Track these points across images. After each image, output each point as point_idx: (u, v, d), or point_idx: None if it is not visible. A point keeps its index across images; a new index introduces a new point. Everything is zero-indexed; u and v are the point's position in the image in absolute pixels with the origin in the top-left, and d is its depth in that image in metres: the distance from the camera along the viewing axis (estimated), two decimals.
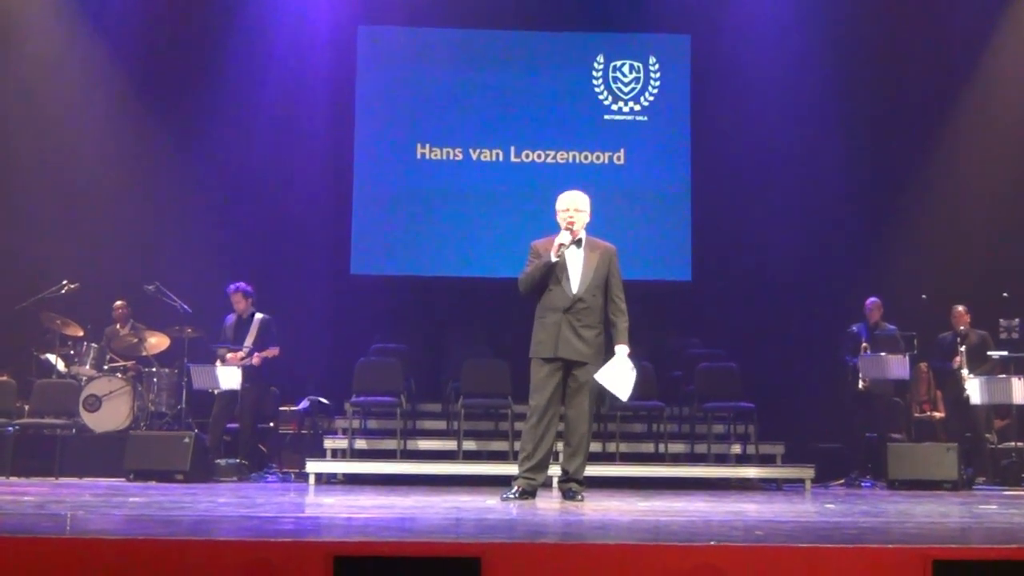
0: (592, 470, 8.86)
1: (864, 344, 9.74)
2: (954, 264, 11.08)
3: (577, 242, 6.54)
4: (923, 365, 10.39)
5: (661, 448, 9.56)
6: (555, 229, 6.60)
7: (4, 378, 9.97)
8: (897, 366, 9.51)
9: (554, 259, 6.45)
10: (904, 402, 10.38)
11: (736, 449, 9.80)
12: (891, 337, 9.78)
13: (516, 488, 6.46)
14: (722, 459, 9.71)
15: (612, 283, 6.60)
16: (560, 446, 6.75)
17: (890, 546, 3.87)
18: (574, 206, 6.56)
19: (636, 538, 4.17)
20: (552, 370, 6.47)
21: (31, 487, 7.65)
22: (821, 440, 10.13)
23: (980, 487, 9.19)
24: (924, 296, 9.90)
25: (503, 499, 6.39)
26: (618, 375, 6.48)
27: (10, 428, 9.32)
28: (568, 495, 6.52)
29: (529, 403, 6.57)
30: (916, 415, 10.46)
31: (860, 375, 9.65)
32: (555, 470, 7.07)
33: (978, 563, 3.72)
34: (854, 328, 9.94)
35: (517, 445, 9.15)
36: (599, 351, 6.53)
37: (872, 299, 10.01)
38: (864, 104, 11.70)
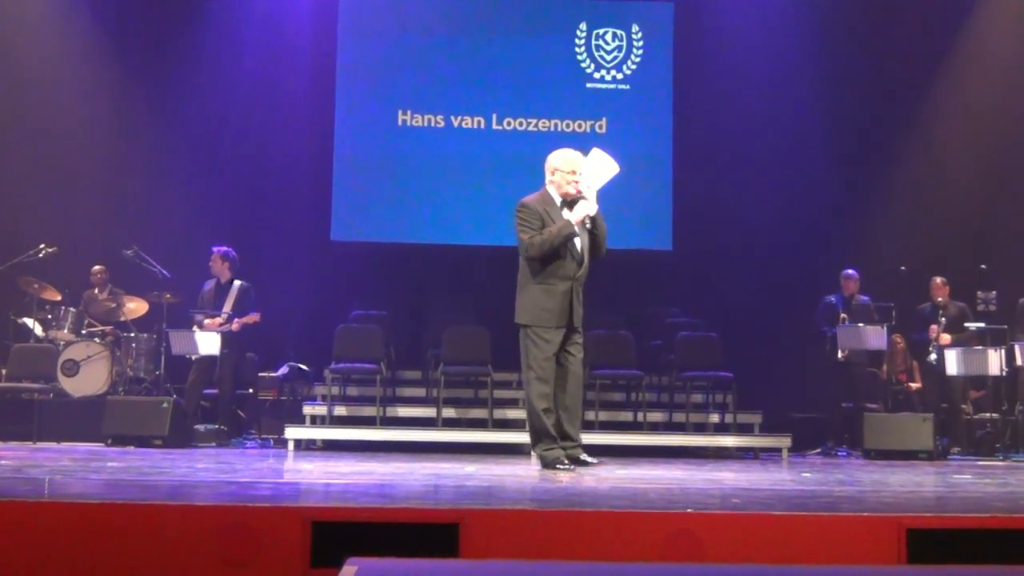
0: None
1: (843, 315, 9.78)
2: (932, 236, 11.13)
3: (571, 204, 6.44)
4: (897, 336, 10.42)
5: (640, 417, 9.59)
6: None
7: None
8: (875, 336, 9.56)
9: (576, 229, 6.33)
10: (881, 373, 10.45)
11: (714, 418, 9.84)
12: (866, 308, 9.85)
13: (564, 458, 6.29)
14: (700, 428, 9.75)
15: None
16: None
17: (865, 514, 3.90)
18: (580, 168, 6.43)
19: (614, 505, 4.20)
20: (557, 338, 6.34)
21: (8, 451, 7.63)
22: (798, 410, 10.18)
23: (955, 457, 9.26)
24: (903, 268, 9.94)
25: (566, 469, 6.18)
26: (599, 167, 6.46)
27: None
28: (583, 462, 6.40)
29: (538, 373, 6.33)
30: (893, 386, 10.53)
31: (838, 345, 9.70)
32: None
33: (952, 532, 3.76)
34: (832, 299, 9.98)
35: (496, 413, 9.26)
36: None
37: (849, 270, 10.06)
38: (846, 75, 11.67)
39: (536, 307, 6.35)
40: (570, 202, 6.43)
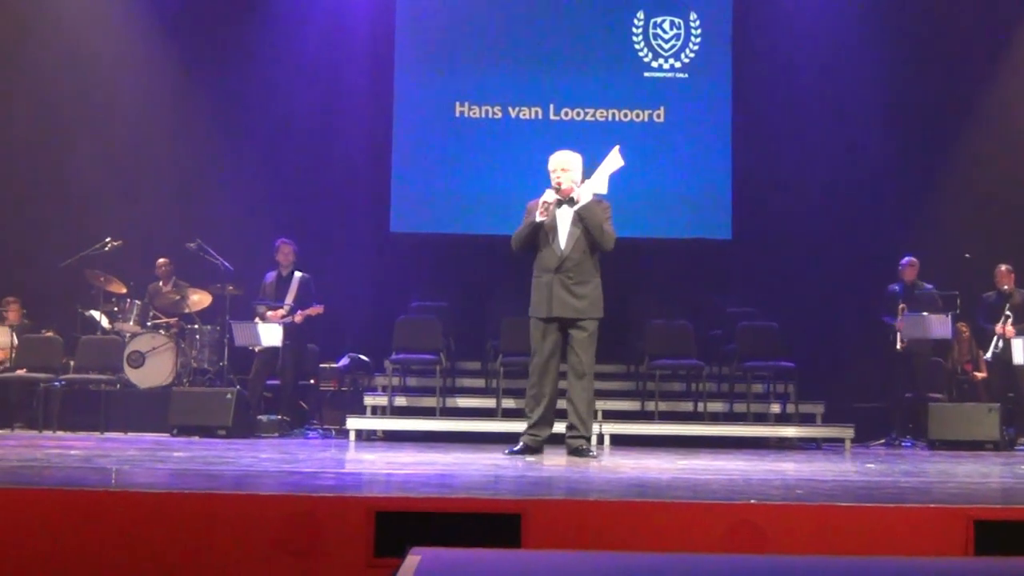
0: (631, 428, 8.94)
1: (902, 305, 9.63)
2: (998, 222, 10.93)
3: (568, 200, 6.67)
4: (962, 325, 10.26)
5: (700, 407, 9.55)
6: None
7: (50, 334, 10.11)
8: (939, 325, 9.41)
9: (538, 219, 6.62)
10: (946, 362, 10.29)
11: (776, 408, 9.77)
12: (931, 296, 9.68)
13: (521, 444, 6.66)
14: (761, 418, 9.69)
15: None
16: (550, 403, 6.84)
17: (931, 506, 3.85)
18: (560, 166, 6.78)
19: (675, 496, 4.18)
20: (549, 329, 6.67)
21: (77, 441, 7.77)
22: (861, 400, 10.07)
23: (1022, 448, 9.12)
24: (967, 255, 9.78)
25: (507, 454, 6.59)
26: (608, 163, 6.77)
27: (56, 383, 9.46)
28: (581, 452, 6.61)
29: (532, 358, 6.77)
30: (958, 375, 10.37)
31: (898, 335, 9.56)
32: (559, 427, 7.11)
33: (1020, 524, 3.70)
34: (896, 287, 9.84)
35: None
36: (595, 303, 6.68)
37: (907, 258, 9.90)
38: (910, 59, 11.48)
39: (532, 299, 6.79)
40: (566, 200, 6.70)
